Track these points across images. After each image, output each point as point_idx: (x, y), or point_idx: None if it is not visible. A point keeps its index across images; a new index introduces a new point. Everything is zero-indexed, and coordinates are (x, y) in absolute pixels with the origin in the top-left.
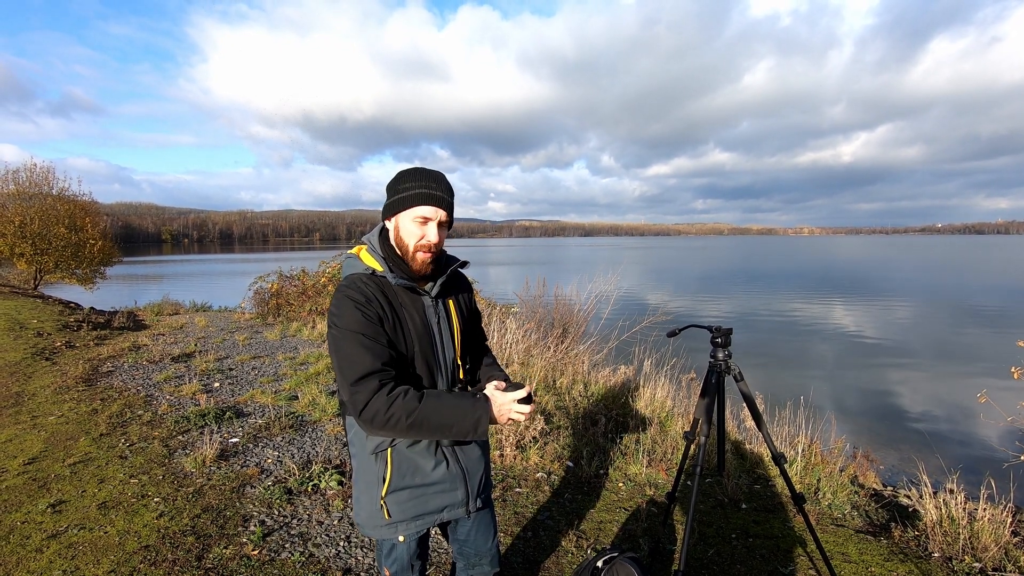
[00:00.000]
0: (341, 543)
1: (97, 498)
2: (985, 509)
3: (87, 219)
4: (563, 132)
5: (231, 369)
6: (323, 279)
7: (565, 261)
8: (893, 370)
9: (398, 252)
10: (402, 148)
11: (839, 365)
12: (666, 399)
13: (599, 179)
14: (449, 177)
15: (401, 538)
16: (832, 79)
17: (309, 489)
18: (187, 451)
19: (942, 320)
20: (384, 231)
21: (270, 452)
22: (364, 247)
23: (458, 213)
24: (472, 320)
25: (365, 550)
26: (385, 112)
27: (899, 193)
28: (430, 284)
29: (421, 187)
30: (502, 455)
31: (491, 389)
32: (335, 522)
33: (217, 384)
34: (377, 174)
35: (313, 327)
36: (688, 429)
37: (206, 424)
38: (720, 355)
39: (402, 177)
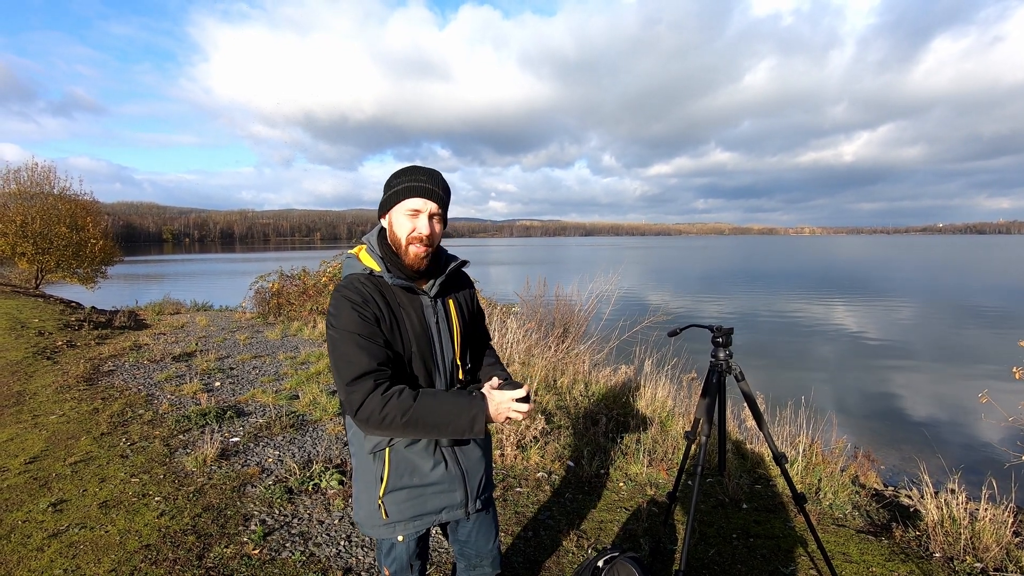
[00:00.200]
0: (342, 542)
1: (98, 497)
2: (986, 509)
3: (88, 218)
4: (564, 132)
5: (232, 368)
6: (324, 278)
7: (566, 261)
8: (894, 370)
9: (394, 250)
10: (403, 148)
11: (840, 365)
12: (667, 399)
13: (600, 179)
14: (450, 177)
15: (400, 538)
16: (834, 79)
17: (310, 488)
18: (188, 450)
19: (943, 320)
20: (383, 231)
21: (271, 451)
22: (364, 247)
23: (459, 212)
24: (473, 320)
25: (365, 549)
26: (386, 112)
27: (901, 193)
28: (429, 284)
29: (410, 181)
30: (503, 454)
31: (488, 388)
32: (336, 521)
33: (218, 383)
34: (378, 174)
35: (314, 326)
36: (689, 429)
37: (207, 423)
38: (721, 355)
39: (394, 175)
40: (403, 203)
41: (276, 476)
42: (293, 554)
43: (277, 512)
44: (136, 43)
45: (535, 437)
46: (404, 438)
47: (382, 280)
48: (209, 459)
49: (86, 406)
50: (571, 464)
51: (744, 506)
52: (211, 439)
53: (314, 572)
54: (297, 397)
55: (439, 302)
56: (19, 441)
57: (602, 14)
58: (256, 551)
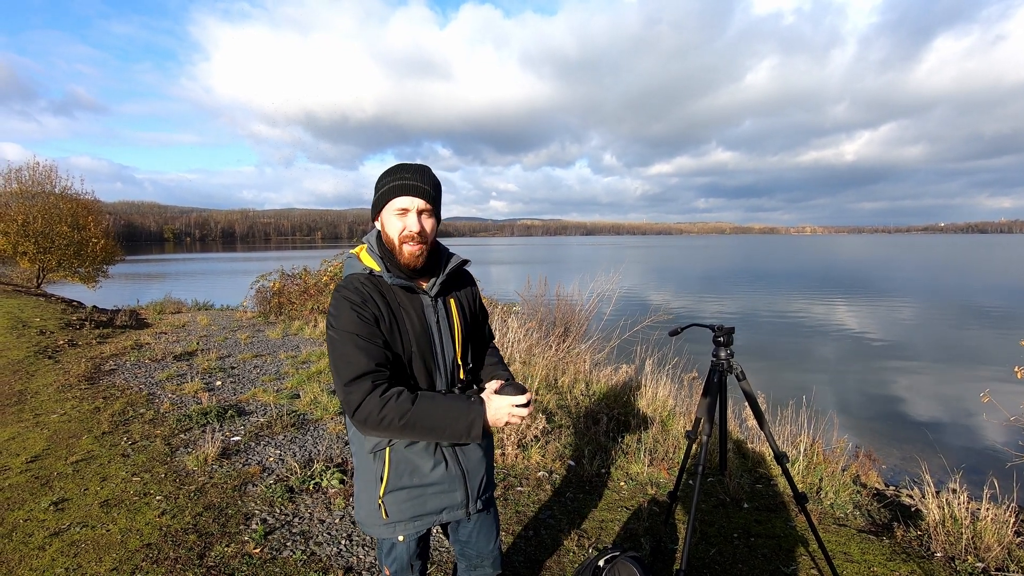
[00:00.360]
0: (343, 541)
1: (99, 496)
2: (988, 509)
3: (90, 218)
4: (565, 131)
5: (233, 368)
6: (325, 278)
7: (567, 260)
8: (896, 370)
9: (389, 250)
10: (404, 147)
11: (841, 365)
12: (668, 398)
13: (601, 178)
14: (451, 176)
15: (400, 538)
16: (835, 78)
17: (311, 487)
18: (189, 449)
19: (945, 320)
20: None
21: (272, 450)
22: (364, 247)
23: (460, 212)
24: (475, 319)
25: (366, 548)
26: (387, 111)
27: (902, 192)
28: (430, 283)
29: (396, 180)
30: (503, 453)
31: (488, 392)
32: (337, 520)
33: (219, 382)
34: (379, 173)
35: (315, 326)
36: (690, 428)
37: (208, 422)
38: (722, 354)
39: (381, 175)
40: (391, 203)
41: (277, 475)
42: (294, 553)
43: (278, 511)
44: (137, 42)
45: (536, 436)
46: (403, 439)
47: (382, 280)
48: (210, 458)
49: (87, 405)
50: (572, 463)
51: (745, 505)
52: (212, 438)
53: (315, 571)
54: (298, 396)
55: (440, 301)
56: (21, 440)
57: (603, 13)
58: (257, 550)
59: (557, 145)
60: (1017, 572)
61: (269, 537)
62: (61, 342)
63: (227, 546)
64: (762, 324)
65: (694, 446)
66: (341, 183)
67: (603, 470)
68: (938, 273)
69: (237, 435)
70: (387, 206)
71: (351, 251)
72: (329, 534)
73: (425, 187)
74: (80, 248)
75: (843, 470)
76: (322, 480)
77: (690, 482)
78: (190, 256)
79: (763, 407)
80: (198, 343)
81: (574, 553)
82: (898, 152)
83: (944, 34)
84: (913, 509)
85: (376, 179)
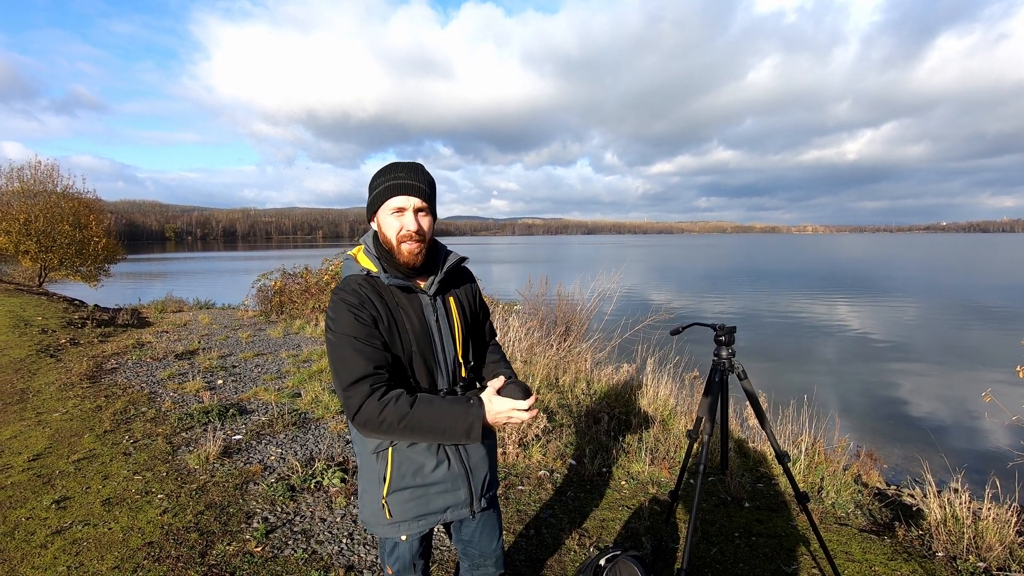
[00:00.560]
0: (344, 540)
1: (101, 494)
2: (990, 508)
3: (91, 217)
4: (566, 130)
5: (234, 366)
6: (326, 277)
7: (568, 259)
8: (897, 369)
9: (387, 250)
10: (405, 146)
11: (843, 364)
12: (669, 397)
13: (602, 177)
14: (452, 175)
15: (403, 537)
16: (837, 76)
17: (312, 486)
18: (190, 448)
19: (947, 319)
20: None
21: (273, 449)
22: (362, 248)
23: (461, 211)
24: (476, 317)
25: (368, 547)
26: (388, 110)
27: (904, 191)
28: (428, 282)
29: (389, 179)
30: (504, 452)
31: (490, 391)
32: (338, 519)
33: (220, 381)
34: None
35: (316, 324)
36: (691, 427)
37: (209, 421)
38: (724, 353)
39: (375, 175)
40: (387, 203)
41: (278, 474)
42: (295, 552)
43: (279, 510)
44: (138, 41)
45: (537, 435)
46: (404, 440)
47: (379, 281)
48: (212, 457)
49: (89, 404)
50: (573, 462)
51: (746, 505)
52: (213, 437)
53: (316, 570)
54: (299, 395)
55: (439, 300)
56: (23, 438)
57: (605, 12)
58: (258, 549)
59: (558, 144)
60: (1019, 572)
61: (270, 536)
62: (63, 341)
63: (228, 544)
64: (764, 323)
65: (695, 445)
66: (342, 182)
67: (604, 469)
68: (940, 272)
69: (238, 434)
70: (383, 206)
71: (349, 252)
72: (330, 533)
73: (420, 185)
74: (82, 247)
75: (844, 469)
76: (323, 479)
77: (691, 481)
78: (191, 255)
79: (764, 406)
80: (199, 342)
81: (575, 552)
82: (900, 151)
83: (946, 32)
84: (914, 508)
85: (370, 179)
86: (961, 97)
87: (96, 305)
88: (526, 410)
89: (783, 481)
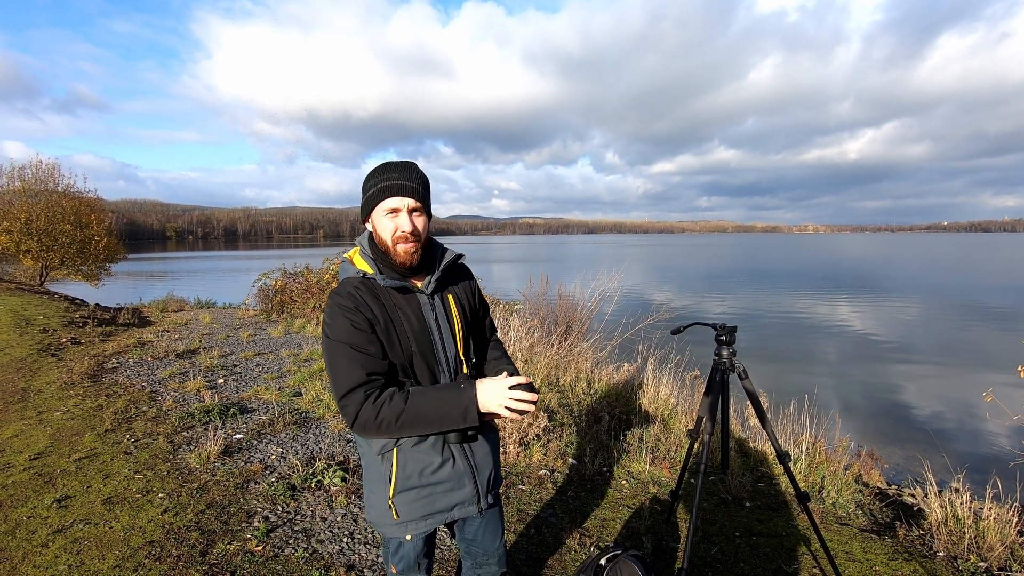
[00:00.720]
0: (344, 539)
1: (102, 493)
2: (991, 508)
3: (92, 216)
4: (567, 129)
5: (235, 366)
6: (327, 276)
7: (568, 259)
8: (899, 369)
9: (383, 251)
10: (406, 145)
11: (844, 363)
12: (669, 397)
13: (603, 176)
14: (453, 174)
15: (408, 536)
16: (839, 76)
17: (313, 485)
18: (191, 447)
19: (948, 319)
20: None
21: (274, 448)
22: (357, 250)
23: (462, 210)
24: (476, 314)
25: (368, 546)
26: (389, 109)
27: (905, 191)
28: (425, 281)
29: (383, 181)
30: (505, 452)
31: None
32: (338, 518)
33: (221, 380)
34: None
35: (317, 324)
36: (692, 427)
37: (210, 420)
38: (724, 353)
39: (367, 176)
40: (380, 205)
41: (279, 473)
42: (296, 551)
43: (280, 509)
44: (139, 40)
45: (537, 435)
46: (408, 437)
47: (375, 282)
48: (212, 456)
49: (90, 403)
50: (574, 462)
51: (747, 504)
52: (214, 436)
53: (317, 569)
54: (300, 394)
55: (437, 298)
56: (24, 437)
57: (606, 11)
58: (259, 548)
59: (559, 143)
60: (1020, 572)
61: (271, 535)
62: (64, 340)
63: (229, 543)
64: (764, 323)
65: (696, 445)
66: (343, 181)
67: (605, 469)
68: (941, 272)
69: (239, 433)
70: (377, 208)
71: (345, 254)
72: (331, 532)
73: (413, 185)
74: (83, 246)
75: (845, 469)
76: (324, 478)
77: (692, 481)
78: (192, 254)
79: (765, 406)
80: (200, 341)
81: (576, 551)
82: (901, 150)
83: (948, 32)
84: (915, 508)
85: (363, 180)
86: (963, 96)
87: (97, 304)
88: (527, 387)
89: (784, 481)
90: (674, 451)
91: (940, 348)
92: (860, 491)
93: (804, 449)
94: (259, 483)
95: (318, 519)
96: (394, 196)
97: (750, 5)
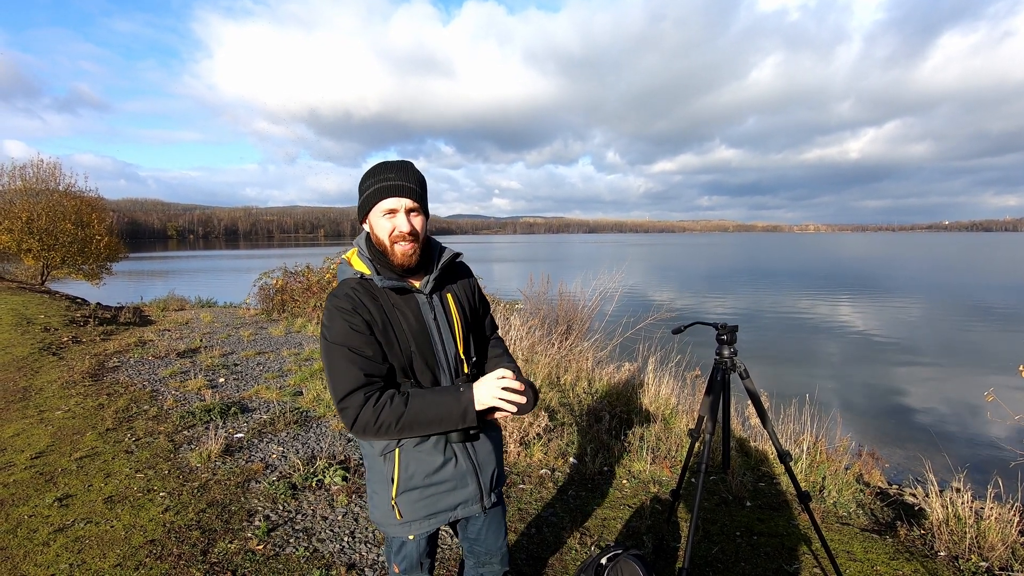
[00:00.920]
0: (345, 538)
1: (103, 492)
2: (992, 508)
3: (93, 215)
4: (568, 128)
5: (236, 365)
6: (328, 275)
7: (569, 258)
8: (900, 368)
9: (381, 251)
10: (407, 144)
11: (845, 363)
12: (670, 396)
13: (604, 176)
14: (453, 174)
15: (411, 536)
16: (840, 75)
17: (313, 484)
18: (192, 446)
19: (949, 318)
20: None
21: (275, 447)
22: (355, 250)
23: (462, 210)
24: (476, 312)
25: (369, 545)
26: (390, 108)
27: (906, 190)
28: (424, 281)
29: (379, 181)
30: (506, 451)
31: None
32: (339, 517)
33: (222, 380)
34: None
35: (318, 323)
36: (693, 426)
37: (211, 419)
38: (726, 352)
39: (364, 176)
40: (377, 205)
41: (280, 472)
42: (297, 550)
43: (281, 508)
44: (140, 40)
45: (538, 434)
46: (408, 438)
47: (373, 283)
48: (213, 455)
49: (91, 402)
50: (574, 461)
51: (748, 504)
52: (215, 435)
53: (318, 568)
54: (301, 393)
55: (436, 298)
56: (25, 436)
57: (607, 10)
58: (260, 546)
59: (560, 142)
60: (1021, 571)
61: (272, 534)
62: (65, 339)
63: (230, 542)
64: (766, 322)
65: (697, 444)
66: (344, 180)
67: (606, 468)
68: (942, 272)
69: (240, 432)
70: (374, 208)
71: (344, 255)
72: (332, 531)
73: (410, 185)
74: (84, 245)
75: (846, 469)
76: (325, 477)
77: (693, 480)
78: (193, 253)
79: (766, 405)
80: (201, 340)
81: (576, 551)
82: (903, 150)
83: (950, 31)
84: (916, 508)
85: (359, 181)
86: (964, 95)
87: (98, 303)
88: (511, 387)
89: (785, 480)
90: (675, 450)
91: (941, 348)
92: (861, 491)
93: (805, 449)
94: (260, 482)
95: (319, 518)
96: (391, 196)
97: (751, 4)
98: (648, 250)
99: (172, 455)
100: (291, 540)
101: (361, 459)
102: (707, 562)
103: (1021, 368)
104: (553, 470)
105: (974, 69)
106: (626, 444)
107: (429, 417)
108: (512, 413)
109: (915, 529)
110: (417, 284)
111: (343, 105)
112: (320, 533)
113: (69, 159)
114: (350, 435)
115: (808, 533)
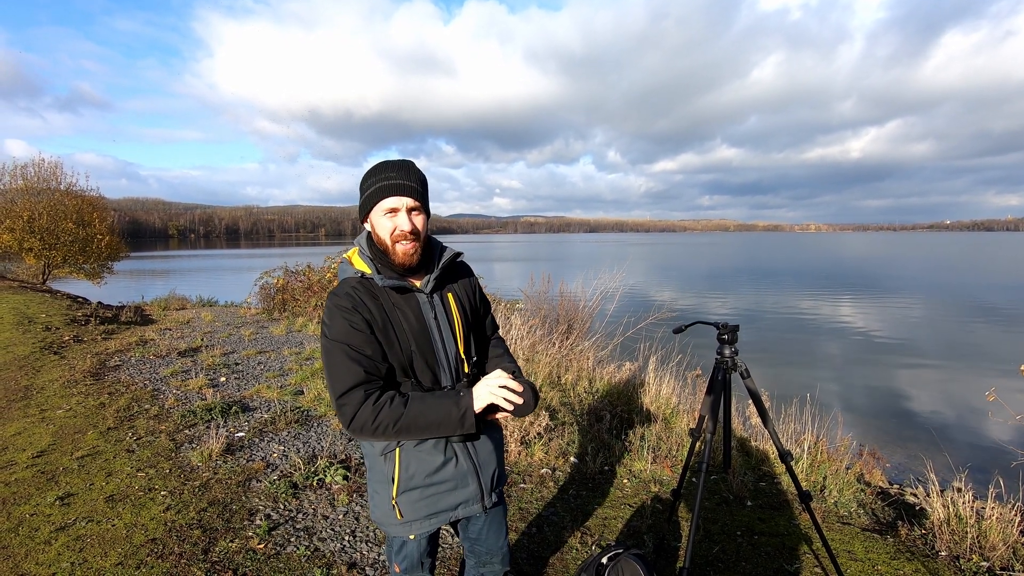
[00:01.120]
0: (346, 537)
1: (105, 491)
2: (993, 508)
3: (95, 214)
4: (569, 128)
5: (237, 364)
6: (328, 274)
7: (570, 257)
8: (901, 368)
9: (382, 250)
10: (408, 143)
11: (846, 363)
12: (671, 396)
13: (605, 175)
14: (454, 173)
15: (412, 536)
16: (842, 74)
17: (314, 483)
18: (194, 445)
19: (951, 318)
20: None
21: (276, 446)
22: (356, 249)
23: (463, 209)
24: (476, 312)
25: (370, 544)
26: (391, 107)
27: (908, 190)
28: (424, 280)
29: (380, 180)
30: (507, 451)
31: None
32: (340, 516)
33: (223, 379)
34: None
35: (319, 322)
36: (694, 426)
37: (212, 418)
38: (727, 352)
39: (365, 175)
40: (379, 205)
41: (281, 471)
42: (298, 549)
43: (282, 507)
44: (141, 39)
45: (539, 433)
46: (407, 440)
47: (373, 283)
48: (215, 454)
49: (93, 401)
50: (575, 460)
51: (749, 503)
52: (216, 434)
53: (319, 567)
54: (302, 392)
55: (436, 297)
56: (27, 435)
57: (608, 9)
58: (261, 545)
59: (561, 142)
60: (1022, 571)
61: (273, 533)
62: (66, 338)
63: (231, 541)
64: (767, 322)
65: (698, 444)
66: (345, 180)
67: (606, 467)
68: (943, 272)
69: (241, 431)
70: (375, 207)
71: (345, 254)
72: (333, 530)
73: (411, 184)
74: (85, 244)
75: (847, 468)
76: (326, 476)
77: (693, 480)
78: (194, 253)
79: (767, 405)
80: (202, 339)
81: (577, 550)
82: (904, 149)
83: (952, 30)
84: (917, 508)
85: (361, 180)
86: (966, 95)
87: (99, 302)
88: (509, 385)
89: (786, 480)
90: (676, 450)
91: (942, 347)
92: (862, 490)
93: (806, 448)
94: (261, 481)
95: (320, 517)
96: (392, 196)
97: (753, 3)
98: (649, 249)
99: (173, 454)
100: (292, 539)
101: (362, 458)
102: (708, 561)
103: (1022, 368)
104: (554, 469)
105: (976, 68)
106: (627, 443)
107: (427, 421)
108: (512, 414)
109: (916, 529)
110: (418, 283)
111: (344, 104)
112: (321, 532)
113: (70, 158)
114: (347, 434)
115: (809, 533)
